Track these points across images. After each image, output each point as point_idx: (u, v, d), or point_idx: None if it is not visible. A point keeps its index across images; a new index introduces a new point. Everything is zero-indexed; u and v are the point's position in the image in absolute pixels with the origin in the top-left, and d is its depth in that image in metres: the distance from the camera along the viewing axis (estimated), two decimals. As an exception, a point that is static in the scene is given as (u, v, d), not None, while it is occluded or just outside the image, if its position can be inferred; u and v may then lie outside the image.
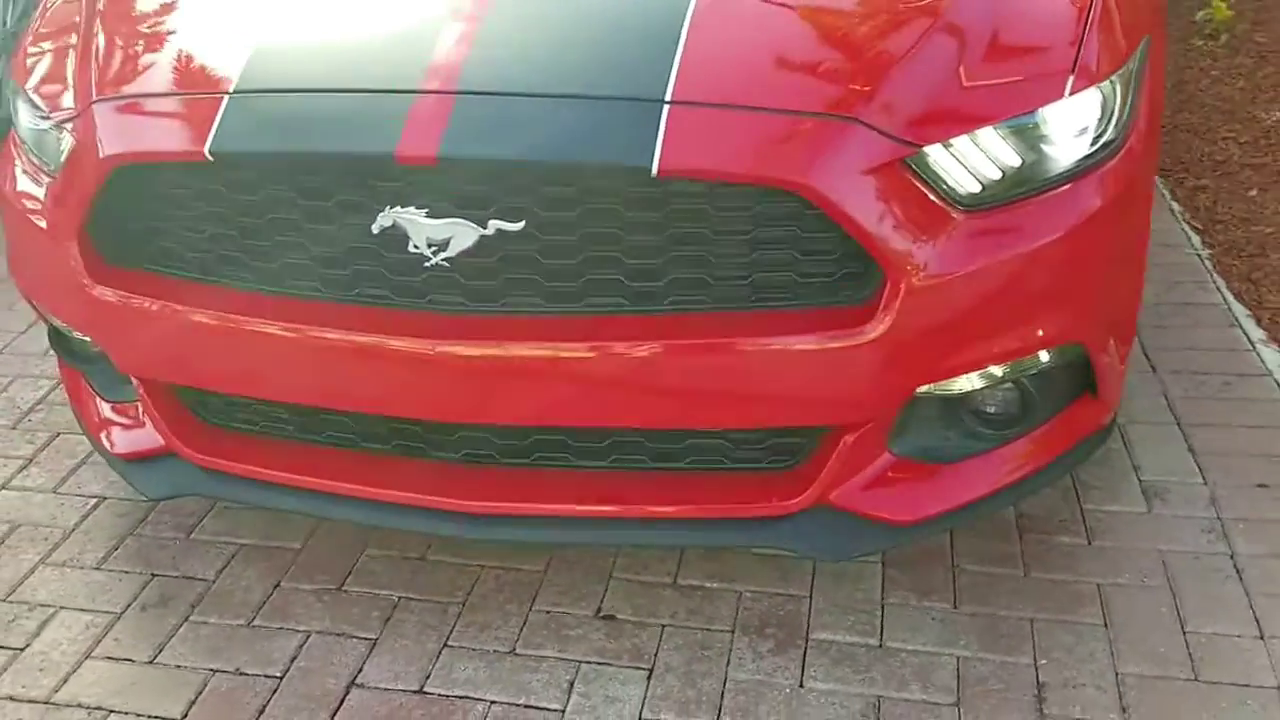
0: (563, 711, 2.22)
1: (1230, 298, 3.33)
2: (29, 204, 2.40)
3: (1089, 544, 2.56)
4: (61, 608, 2.53)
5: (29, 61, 2.50)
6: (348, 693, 2.29)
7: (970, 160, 2.00)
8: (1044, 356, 2.15)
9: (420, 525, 2.26)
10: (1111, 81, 2.11)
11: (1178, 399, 2.93)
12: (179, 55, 2.27)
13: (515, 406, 2.11)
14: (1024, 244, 2.02)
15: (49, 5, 2.65)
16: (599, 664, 2.32)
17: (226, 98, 2.10)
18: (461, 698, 2.26)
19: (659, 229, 1.99)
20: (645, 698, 2.24)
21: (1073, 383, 2.25)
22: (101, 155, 2.17)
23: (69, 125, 2.27)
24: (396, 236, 2.05)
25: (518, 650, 2.36)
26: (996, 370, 2.14)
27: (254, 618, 2.47)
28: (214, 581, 2.57)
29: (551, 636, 2.39)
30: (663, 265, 2.02)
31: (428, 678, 2.31)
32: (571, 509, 2.21)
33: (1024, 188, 2.03)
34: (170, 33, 2.33)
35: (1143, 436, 2.84)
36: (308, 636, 2.42)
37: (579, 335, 2.03)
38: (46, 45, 2.50)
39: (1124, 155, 2.12)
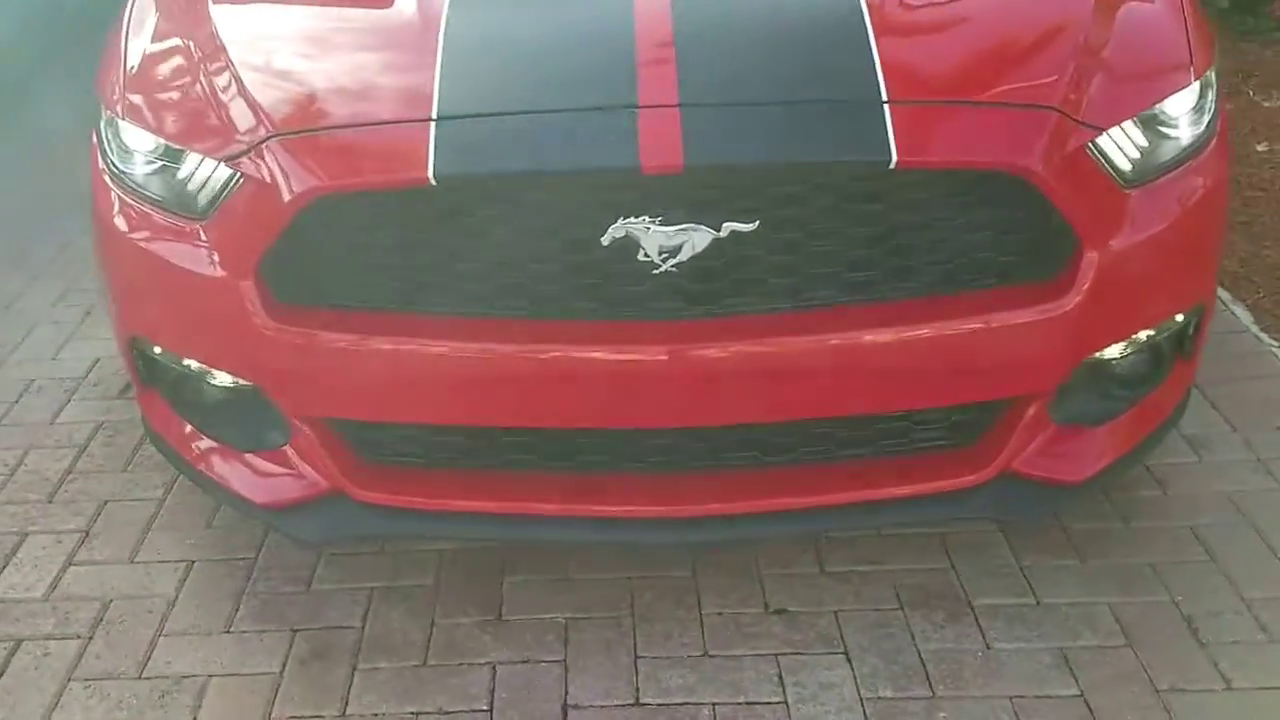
0: (786, 703, 2.29)
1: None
2: (163, 248, 2.28)
3: (1165, 494, 2.82)
4: (210, 676, 2.39)
5: (134, 101, 2.36)
6: (566, 715, 2.28)
7: (1130, 141, 2.22)
8: (1179, 317, 2.39)
9: (625, 536, 2.28)
10: (1210, 72, 2.38)
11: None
12: (351, 84, 2.22)
13: (738, 405, 2.18)
14: (1175, 213, 2.26)
15: (127, 42, 2.50)
16: (794, 655, 2.39)
17: (433, 124, 2.08)
18: (682, 704, 2.29)
19: (881, 220, 2.12)
20: (856, 679, 2.33)
21: (1183, 343, 2.49)
22: (293, 190, 2.10)
23: (236, 162, 2.17)
24: (624, 247, 2.09)
25: (710, 652, 2.41)
26: (1142, 334, 2.36)
27: (426, 657, 2.42)
28: (364, 627, 2.49)
29: (736, 635, 2.44)
30: (881, 255, 2.15)
31: (638, 690, 2.32)
32: (772, 504, 2.29)
33: (1167, 163, 2.27)
34: (329, 63, 2.28)
35: (1171, 395, 3.13)
36: (494, 668, 2.39)
37: (804, 330, 2.13)
38: (156, 83, 2.38)
39: (1220, 134, 2.40)
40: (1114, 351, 2.36)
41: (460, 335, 2.14)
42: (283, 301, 2.20)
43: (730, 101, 2.09)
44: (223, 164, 2.20)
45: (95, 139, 2.53)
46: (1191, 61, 2.33)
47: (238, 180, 2.18)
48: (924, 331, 2.14)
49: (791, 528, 2.32)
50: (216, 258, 2.21)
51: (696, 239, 2.08)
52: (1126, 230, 2.20)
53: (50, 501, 2.90)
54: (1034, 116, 2.12)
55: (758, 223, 2.09)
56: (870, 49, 2.15)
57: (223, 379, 2.37)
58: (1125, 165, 2.22)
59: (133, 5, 2.58)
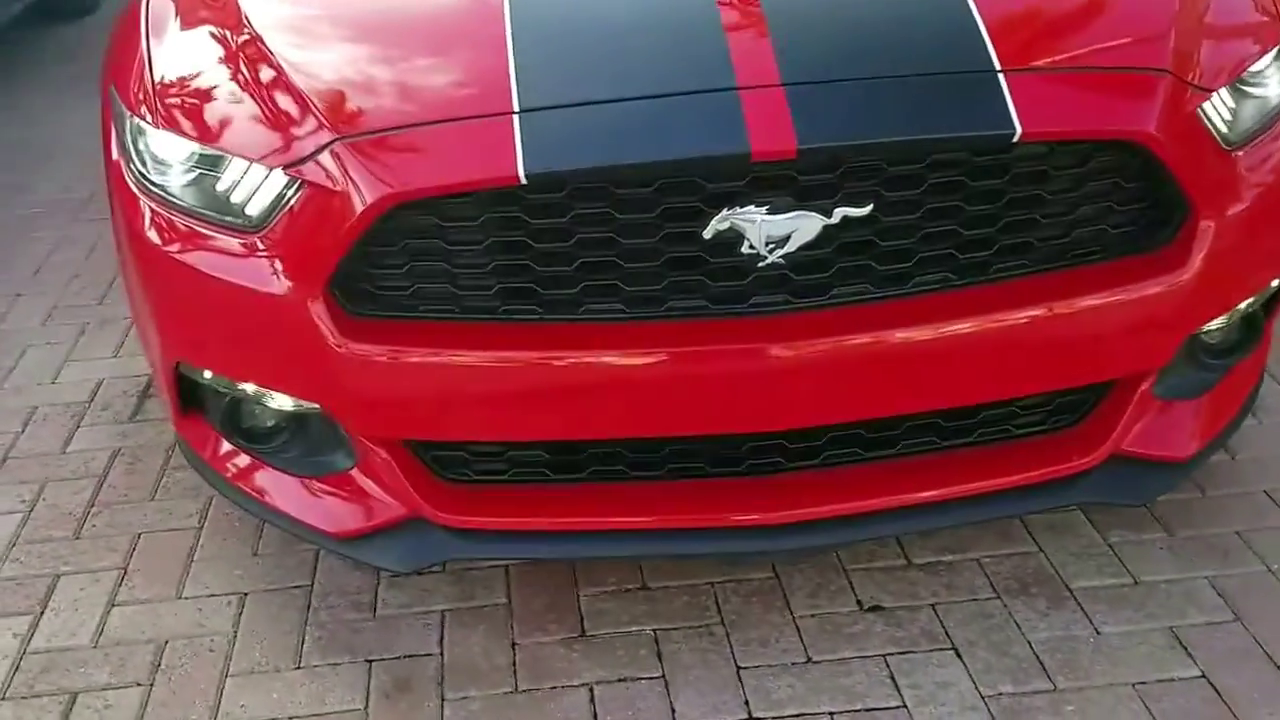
0: (905, 707, 2.19)
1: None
2: (213, 265, 2.11)
3: (1234, 460, 2.76)
4: (290, 718, 2.24)
5: (168, 106, 2.18)
6: (678, 735, 2.17)
7: (1229, 103, 2.14)
8: (1275, 282, 2.33)
9: (738, 547, 2.16)
10: None
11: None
12: (414, 78, 2.08)
13: (851, 402, 2.08)
14: (1274, 174, 2.18)
15: (149, 41, 2.31)
16: (902, 654, 2.30)
17: (516, 117, 1.94)
18: (798, 715, 2.19)
19: (997, 197, 2.02)
20: (971, 676, 2.25)
21: (1269, 308, 2.43)
22: (366, 198, 1.94)
23: (297, 169, 2.01)
24: (727, 240, 1.97)
25: (814, 658, 2.31)
26: (1244, 301, 2.29)
27: (517, 682, 2.29)
28: (442, 654, 2.36)
29: (836, 637, 2.35)
30: (994, 234, 2.04)
31: (748, 703, 2.22)
32: (880, 503, 2.18)
33: (1260, 123, 2.20)
34: (384, 55, 2.12)
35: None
36: (590, 689, 2.27)
37: (920, 318, 2.03)
38: (194, 86, 2.20)
39: None
40: (1219, 320, 2.28)
41: (554, 343, 2.01)
42: (359, 317, 2.05)
43: (835, 78, 1.97)
44: (281, 172, 2.03)
45: (115, 148, 2.35)
46: (1278, 19, 2.26)
47: (299, 189, 2.02)
48: (1042, 312, 2.05)
49: (901, 526, 2.22)
50: (280, 273, 2.05)
51: (805, 227, 1.96)
52: (1235, 195, 2.13)
53: (78, 538, 2.72)
54: (1150, 81, 2.04)
55: (870, 206, 1.97)
56: (972, 14, 2.04)
57: (283, 403, 2.21)
58: (1224, 129, 2.15)
59: (147, 2, 2.40)
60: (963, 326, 2.04)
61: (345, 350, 2.02)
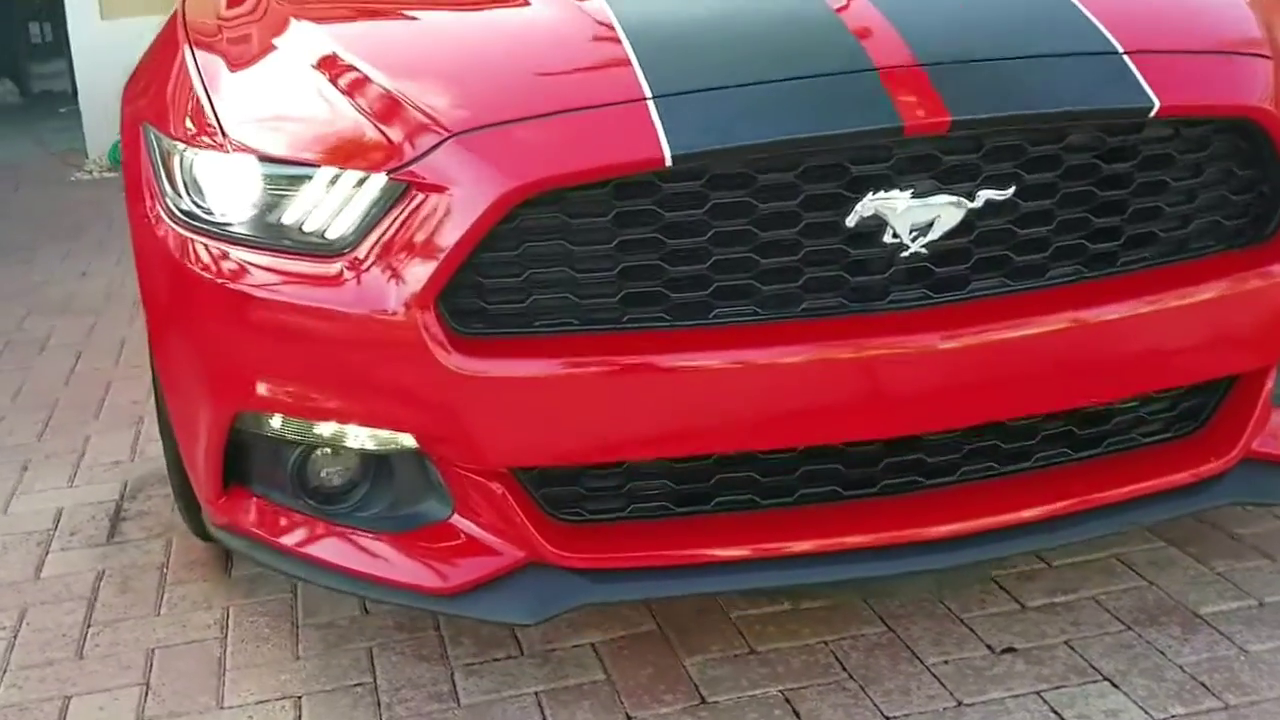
0: (1083, 737, 2.02)
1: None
2: (298, 294, 1.91)
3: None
4: (396, 817, 1.92)
5: (243, 131, 1.99)
6: (850, 790, 1.93)
7: None
8: None
9: (891, 569, 1.98)
10: None
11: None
12: (528, 75, 1.96)
13: (998, 402, 1.98)
14: None
15: (198, 69, 2.13)
16: (1055, 689, 2.13)
17: (651, 102, 1.83)
18: (971, 756, 1.99)
19: (1125, 182, 1.99)
20: (1136, 703, 2.08)
21: None
22: (493, 191, 1.79)
23: (404, 174, 1.85)
24: (868, 230, 1.88)
25: (964, 701, 2.12)
26: None
27: (651, 756, 2.02)
28: (553, 737, 2.08)
29: (981, 680, 2.16)
30: (1122, 223, 2.01)
31: (914, 752, 2.01)
32: (1019, 517, 2.04)
33: None
34: (484, 57, 2.02)
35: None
36: (734, 755, 2.02)
37: (1063, 309, 1.95)
38: (262, 106, 2.03)
39: None
40: None
41: (698, 346, 1.86)
42: (469, 334, 1.86)
43: (970, 59, 1.94)
44: (385, 178, 1.86)
45: (151, 193, 2.14)
46: None
47: (403, 195, 1.85)
48: (1180, 301, 2.00)
49: (1041, 541, 2.07)
50: (384, 290, 1.85)
51: (949, 214, 1.89)
52: None
53: (81, 658, 2.35)
54: (1258, 64, 2.06)
55: (1012, 189, 1.91)
56: (1077, 5, 2.05)
57: (364, 441, 1.97)
58: None
59: (184, 29, 2.23)
60: (1110, 318, 1.98)
61: (465, 371, 1.83)
